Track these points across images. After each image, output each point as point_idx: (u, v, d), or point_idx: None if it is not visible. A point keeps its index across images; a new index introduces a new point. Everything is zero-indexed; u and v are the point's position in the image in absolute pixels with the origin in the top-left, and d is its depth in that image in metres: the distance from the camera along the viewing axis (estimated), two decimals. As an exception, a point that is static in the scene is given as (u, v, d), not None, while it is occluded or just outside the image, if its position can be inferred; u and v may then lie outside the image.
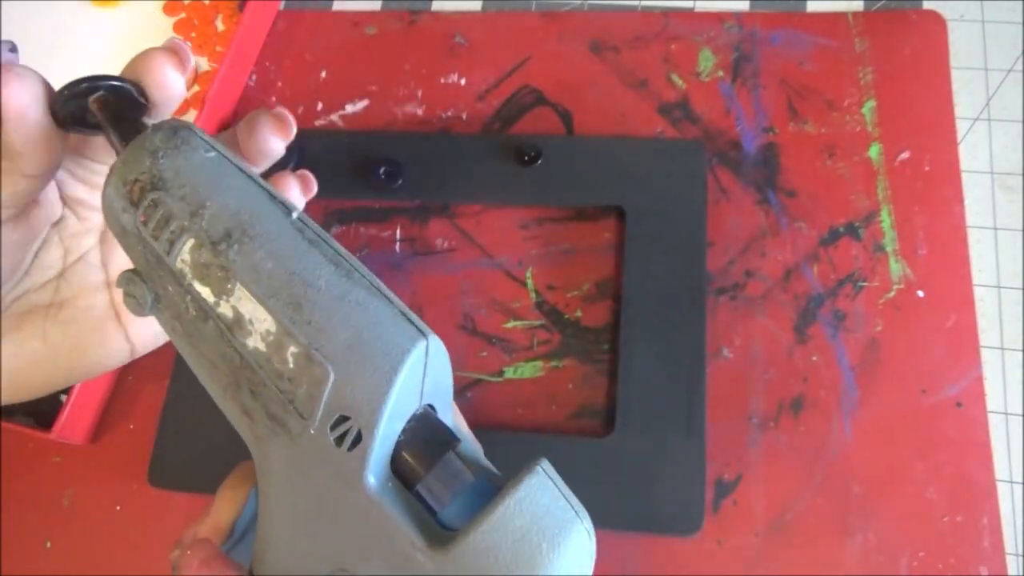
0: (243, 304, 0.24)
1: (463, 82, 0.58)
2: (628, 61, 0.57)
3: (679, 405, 0.45)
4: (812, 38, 0.56)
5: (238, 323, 0.24)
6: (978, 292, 0.50)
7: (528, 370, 0.49)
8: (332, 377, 0.23)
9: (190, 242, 0.25)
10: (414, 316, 0.25)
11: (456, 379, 0.49)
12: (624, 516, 0.44)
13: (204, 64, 0.61)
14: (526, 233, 0.53)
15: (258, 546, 0.26)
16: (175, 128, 0.27)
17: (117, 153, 0.27)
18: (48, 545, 0.48)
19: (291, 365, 0.24)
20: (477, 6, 0.61)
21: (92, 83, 0.28)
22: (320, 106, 0.58)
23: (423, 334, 0.25)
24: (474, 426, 0.49)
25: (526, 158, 0.52)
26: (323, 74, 0.60)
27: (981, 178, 0.52)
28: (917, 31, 0.56)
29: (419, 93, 0.58)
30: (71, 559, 0.48)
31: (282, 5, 0.63)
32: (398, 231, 0.54)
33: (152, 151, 0.26)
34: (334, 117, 0.58)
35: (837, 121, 0.54)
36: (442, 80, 0.58)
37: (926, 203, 0.51)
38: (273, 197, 0.26)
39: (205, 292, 0.25)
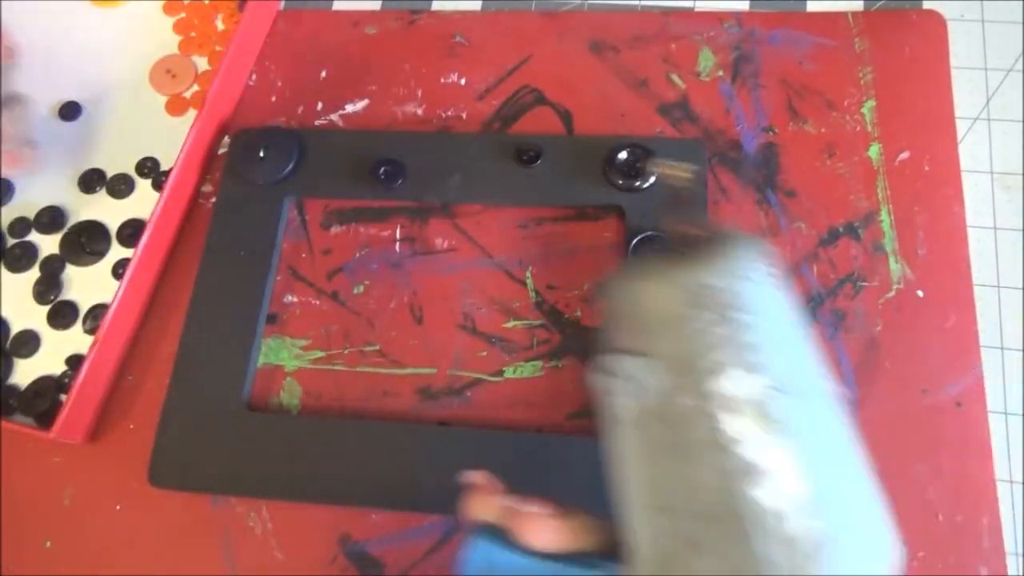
0: (775, 457, 0.23)
1: (463, 82, 0.58)
2: (628, 61, 0.57)
3: (679, 405, 0.45)
4: (812, 38, 0.56)
5: (753, 472, 0.23)
6: (978, 292, 0.50)
7: (528, 370, 0.49)
8: (824, 568, 0.23)
9: (743, 374, 0.24)
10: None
11: (456, 379, 0.49)
12: (624, 516, 0.44)
13: (203, 64, 0.61)
14: (526, 233, 0.53)
15: None
16: (753, 258, 0.26)
17: (685, 240, 0.27)
18: (48, 545, 0.48)
19: (795, 536, 0.23)
20: (477, 6, 0.61)
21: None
22: (320, 106, 0.58)
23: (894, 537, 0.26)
24: (474, 426, 0.49)
25: (526, 158, 0.52)
26: (323, 74, 0.60)
27: (981, 178, 0.52)
28: (917, 31, 0.56)
29: (419, 93, 0.58)
30: (71, 559, 0.48)
31: (282, 5, 0.63)
32: (398, 231, 0.54)
33: (734, 273, 0.25)
34: (334, 117, 0.58)
35: (837, 121, 0.54)
36: (442, 80, 0.58)
37: (926, 203, 0.51)
38: (820, 362, 0.26)
39: (734, 425, 0.24)
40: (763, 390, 0.23)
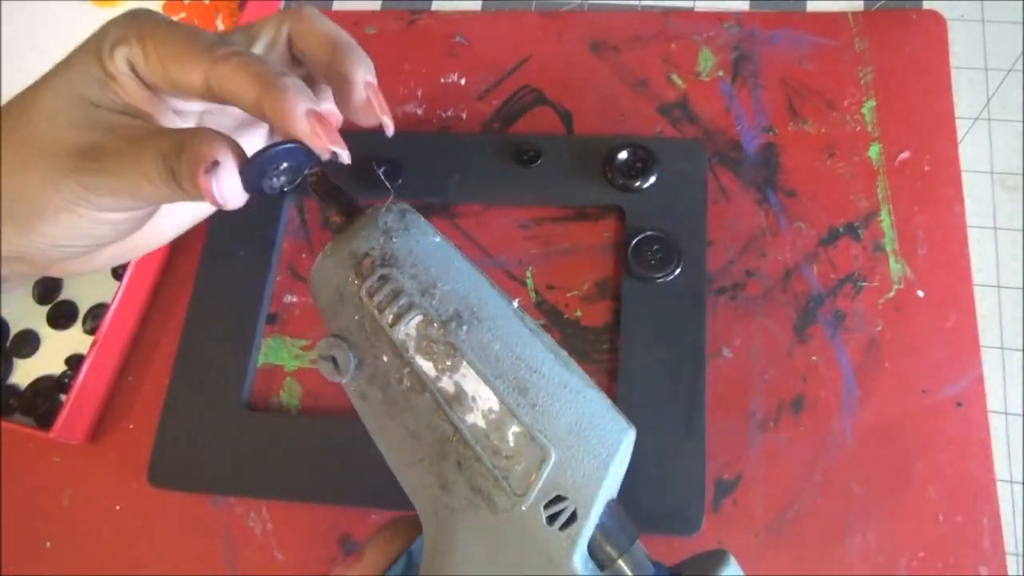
0: (467, 382, 0.26)
1: (463, 82, 0.58)
2: (628, 61, 0.57)
3: (679, 405, 0.45)
4: (812, 38, 0.56)
5: (459, 399, 0.26)
6: (978, 292, 0.50)
7: (528, 370, 0.49)
8: (553, 458, 0.25)
9: (418, 318, 0.26)
10: (618, 409, 0.27)
11: (456, 379, 0.49)
12: (624, 516, 0.44)
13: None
14: (526, 233, 0.53)
15: None
16: (403, 211, 0.28)
17: (331, 226, 0.29)
18: (48, 545, 0.48)
19: (511, 443, 0.25)
20: (477, 6, 0.61)
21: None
22: (320, 106, 0.58)
23: (630, 426, 0.27)
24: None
25: (526, 158, 0.52)
26: (323, 74, 0.60)
27: (981, 178, 0.52)
28: (917, 31, 0.56)
29: (419, 93, 0.58)
30: (71, 559, 0.48)
31: (282, 5, 0.63)
32: (398, 231, 0.54)
33: (384, 230, 0.28)
34: (334, 117, 0.58)
35: (837, 121, 0.54)
36: (442, 80, 0.58)
37: (926, 203, 0.51)
38: (493, 285, 0.28)
39: (427, 366, 0.26)
40: (437, 325, 0.26)
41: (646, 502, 0.44)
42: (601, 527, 0.26)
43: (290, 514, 0.47)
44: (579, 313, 0.50)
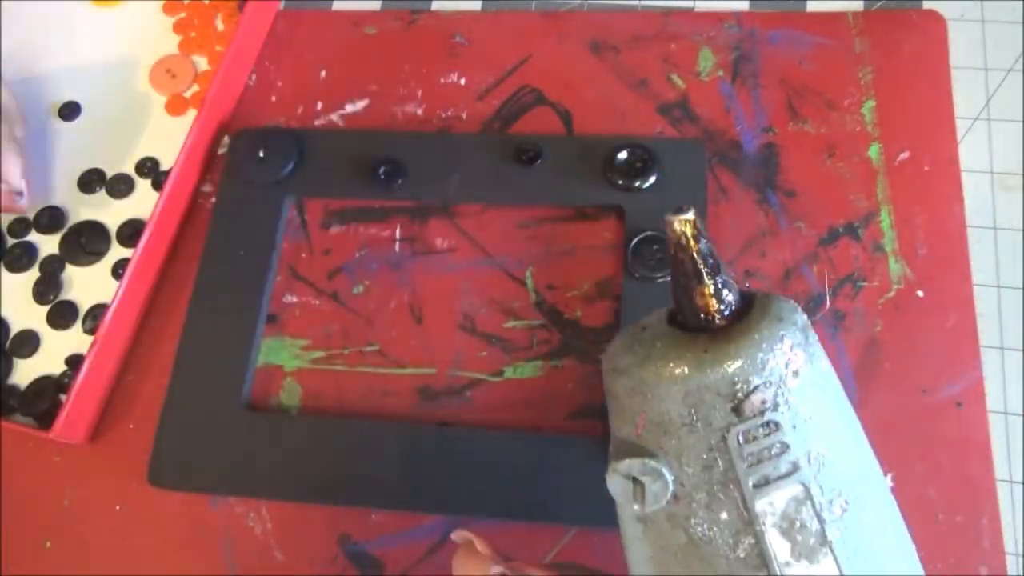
0: (823, 572, 0.21)
1: (463, 82, 0.58)
2: (628, 61, 0.57)
3: (679, 405, 0.45)
4: (812, 38, 0.56)
5: None
6: (978, 292, 0.50)
7: (528, 370, 0.49)
8: None
9: (794, 491, 0.21)
10: None
11: (456, 379, 0.49)
12: (624, 516, 0.44)
13: (203, 64, 0.61)
14: (526, 233, 0.53)
15: None
16: (806, 326, 0.23)
17: (703, 326, 0.23)
18: (48, 545, 0.48)
19: None
20: (477, 6, 0.61)
21: None
22: (320, 106, 0.58)
23: None
24: (474, 426, 0.49)
25: (526, 158, 0.52)
26: (323, 74, 0.60)
27: (981, 178, 0.52)
28: (917, 31, 0.56)
29: (419, 93, 0.58)
30: (71, 559, 0.48)
31: (282, 5, 0.63)
32: (398, 231, 0.54)
33: (790, 357, 0.22)
34: (334, 117, 0.58)
35: (837, 121, 0.54)
36: (442, 80, 0.58)
37: (926, 203, 0.51)
38: (870, 449, 0.23)
39: (781, 548, 0.21)
40: (813, 508, 0.21)
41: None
42: None
43: (290, 514, 0.47)
44: (579, 313, 0.50)
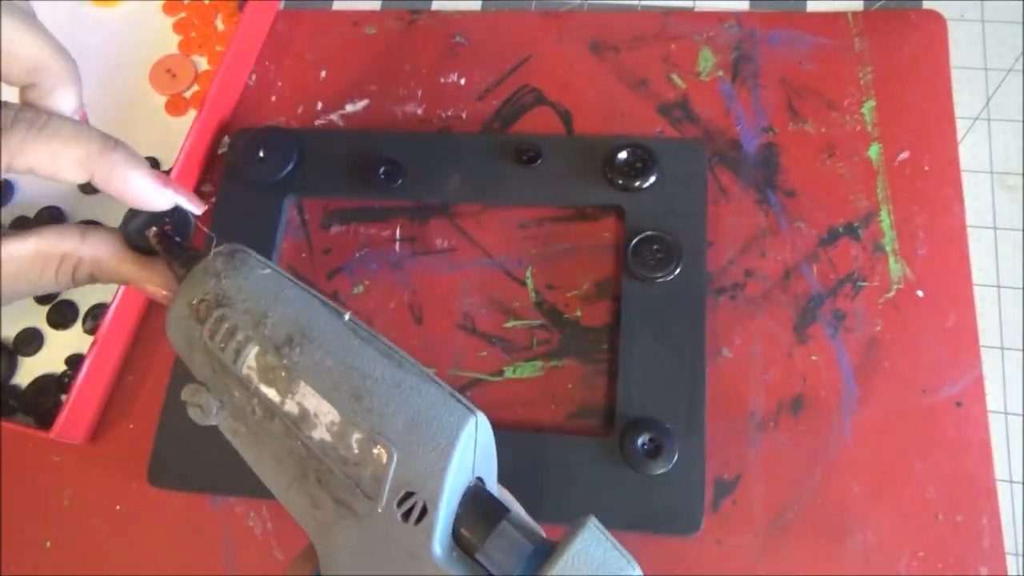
0: (307, 400, 0.27)
1: (463, 82, 0.58)
2: (628, 61, 0.57)
3: (679, 404, 0.45)
4: (812, 38, 0.56)
5: (303, 418, 0.27)
6: (978, 292, 0.50)
7: (528, 370, 0.49)
8: (395, 457, 0.26)
9: (255, 349, 0.28)
10: (461, 396, 0.28)
11: (456, 379, 0.49)
12: (623, 516, 0.44)
13: (203, 64, 0.61)
14: (526, 233, 0.53)
15: None
16: (232, 251, 0.30)
17: (177, 277, 0.31)
18: (48, 545, 0.48)
19: (356, 450, 0.26)
20: (477, 6, 0.61)
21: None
22: (320, 106, 0.58)
23: (472, 412, 0.27)
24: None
25: (526, 158, 0.52)
26: (323, 74, 0.60)
27: (981, 178, 0.52)
28: (917, 30, 0.56)
29: (419, 93, 0.58)
30: (71, 559, 0.48)
31: (282, 5, 0.63)
32: (398, 231, 0.54)
33: (215, 273, 0.29)
34: (334, 117, 0.58)
35: (837, 121, 0.54)
36: (442, 80, 0.58)
37: (926, 203, 0.51)
38: (326, 303, 0.29)
39: (271, 393, 0.28)
40: (272, 353, 0.28)
41: (646, 502, 0.44)
42: (463, 516, 0.27)
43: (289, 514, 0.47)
44: (579, 313, 0.50)
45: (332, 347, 0.28)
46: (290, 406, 0.27)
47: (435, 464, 0.26)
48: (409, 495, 0.26)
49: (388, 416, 0.26)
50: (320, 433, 0.27)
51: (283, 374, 0.27)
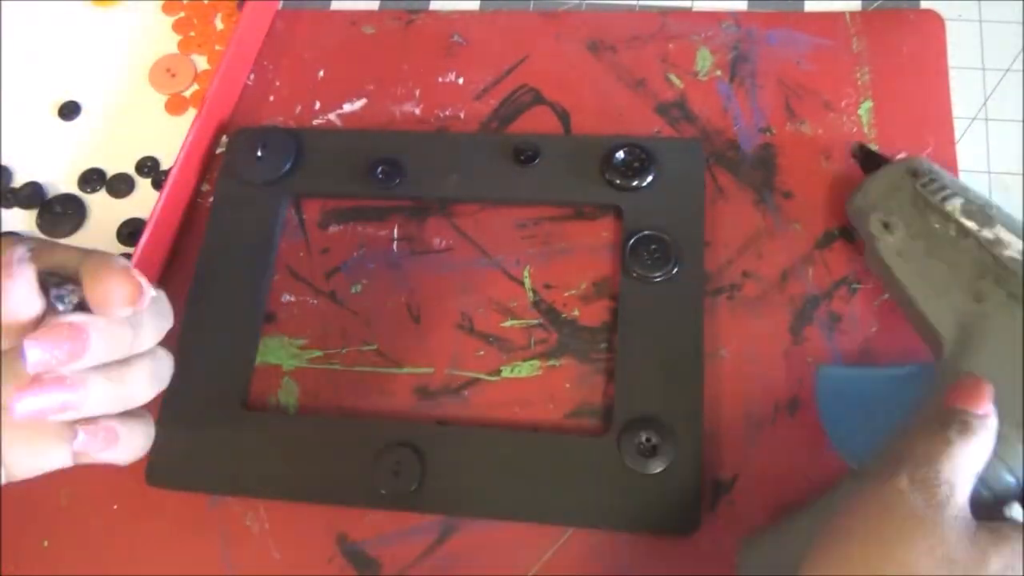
0: (1003, 233, 0.39)
1: (461, 81, 0.58)
2: (626, 60, 0.57)
3: (676, 404, 0.45)
4: (809, 38, 0.56)
5: (998, 242, 0.39)
6: (975, 292, 0.50)
7: (525, 369, 0.49)
8: None
9: (960, 200, 0.41)
10: None
11: (453, 378, 0.49)
12: (621, 515, 0.44)
13: (203, 63, 0.61)
14: (524, 232, 0.53)
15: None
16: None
17: (867, 166, 0.48)
18: (45, 544, 0.48)
19: None
20: (475, 6, 0.61)
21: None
22: (318, 105, 0.59)
23: None
24: (471, 425, 0.49)
25: (523, 157, 0.52)
26: (321, 73, 0.60)
27: (979, 178, 0.52)
28: (915, 31, 0.56)
29: (417, 92, 0.58)
30: (69, 558, 0.48)
31: (281, 4, 0.63)
32: (395, 230, 0.54)
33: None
34: (332, 116, 0.58)
35: (834, 122, 0.54)
36: (440, 79, 0.58)
37: (923, 203, 0.51)
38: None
39: (970, 224, 0.40)
40: (975, 207, 0.41)
41: (643, 501, 0.44)
42: None
43: (288, 514, 0.47)
44: (577, 312, 0.50)
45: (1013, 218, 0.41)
46: (987, 234, 0.39)
47: None
48: None
49: None
50: (1011, 252, 0.38)
51: (983, 217, 0.40)
